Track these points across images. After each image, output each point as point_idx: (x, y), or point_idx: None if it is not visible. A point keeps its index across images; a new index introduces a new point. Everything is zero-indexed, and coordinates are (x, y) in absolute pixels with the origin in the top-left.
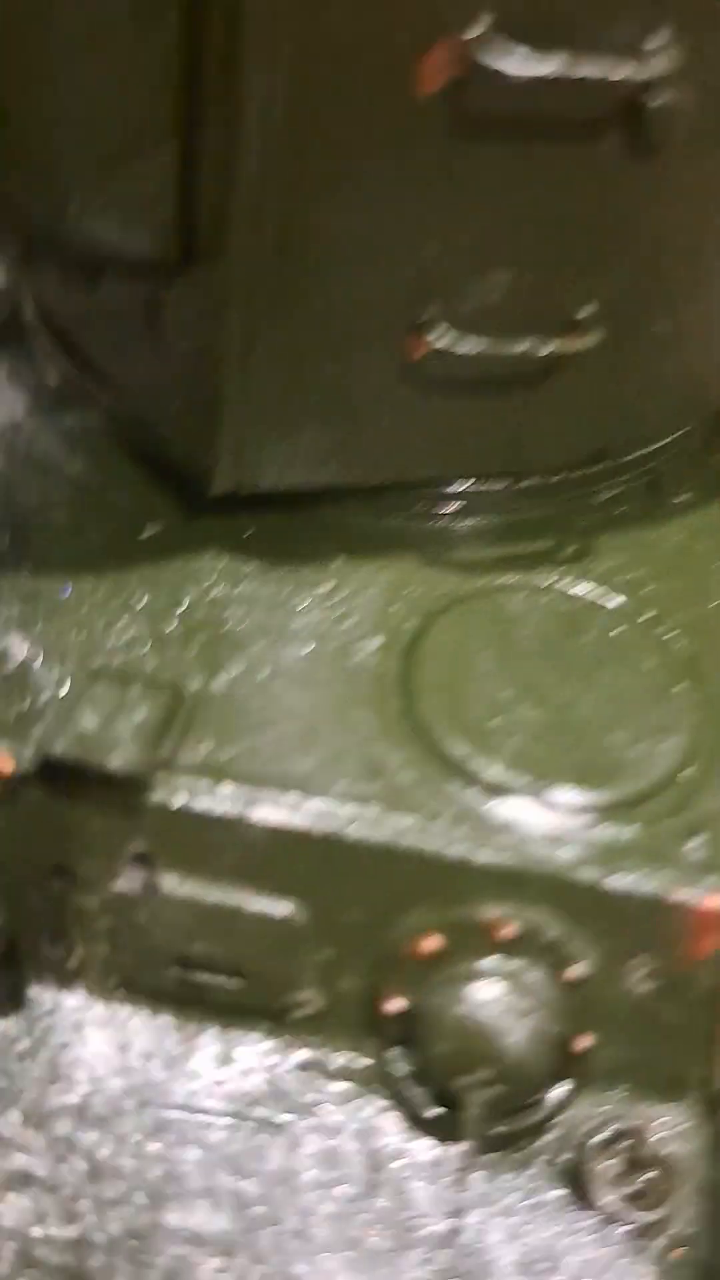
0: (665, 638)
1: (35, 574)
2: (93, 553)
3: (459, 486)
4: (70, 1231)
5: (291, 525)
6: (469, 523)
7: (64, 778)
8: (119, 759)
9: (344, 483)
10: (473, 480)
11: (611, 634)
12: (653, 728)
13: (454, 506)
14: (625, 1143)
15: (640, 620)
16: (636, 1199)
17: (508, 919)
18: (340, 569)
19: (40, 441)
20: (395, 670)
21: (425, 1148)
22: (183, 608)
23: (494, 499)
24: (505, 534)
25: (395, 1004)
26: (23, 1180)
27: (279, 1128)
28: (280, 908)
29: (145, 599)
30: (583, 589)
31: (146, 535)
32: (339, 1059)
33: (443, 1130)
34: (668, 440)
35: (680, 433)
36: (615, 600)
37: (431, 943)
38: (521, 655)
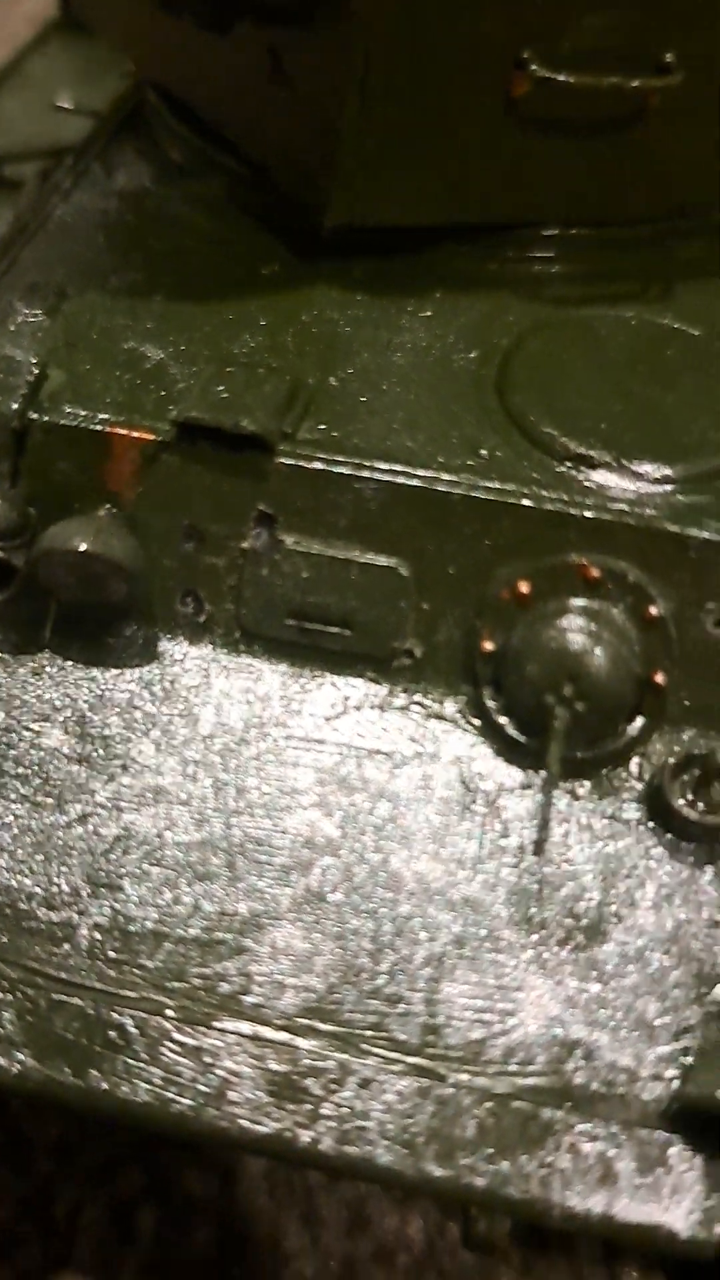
0: None
1: (166, 300)
2: (217, 285)
3: (552, 231)
4: (198, 836)
5: (396, 266)
6: (560, 268)
7: (199, 441)
8: (249, 421)
9: (447, 221)
10: (564, 226)
11: (692, 351)
12: None
13: (547, 252)
14: (699, 766)
15: (717, 345)
16: (711, 806)
17: (593, 564)
18: (440, 300)
19: (168, 204)
20: (491, 374)
21: (516, 773)
22: (298, 326)
23: (584, 246)
24: (593, 278)
25: (490, 644)
26: (155, 795)
27: (384, 755)
28: (386, 561)
29: (265, 320)
30: (666, 320)
31: (265, 272)
32: (437, 700)
33: (531, 758)
34: None
35: None
36: (695, 329)
37: (524, 586)
38: (608, 364)
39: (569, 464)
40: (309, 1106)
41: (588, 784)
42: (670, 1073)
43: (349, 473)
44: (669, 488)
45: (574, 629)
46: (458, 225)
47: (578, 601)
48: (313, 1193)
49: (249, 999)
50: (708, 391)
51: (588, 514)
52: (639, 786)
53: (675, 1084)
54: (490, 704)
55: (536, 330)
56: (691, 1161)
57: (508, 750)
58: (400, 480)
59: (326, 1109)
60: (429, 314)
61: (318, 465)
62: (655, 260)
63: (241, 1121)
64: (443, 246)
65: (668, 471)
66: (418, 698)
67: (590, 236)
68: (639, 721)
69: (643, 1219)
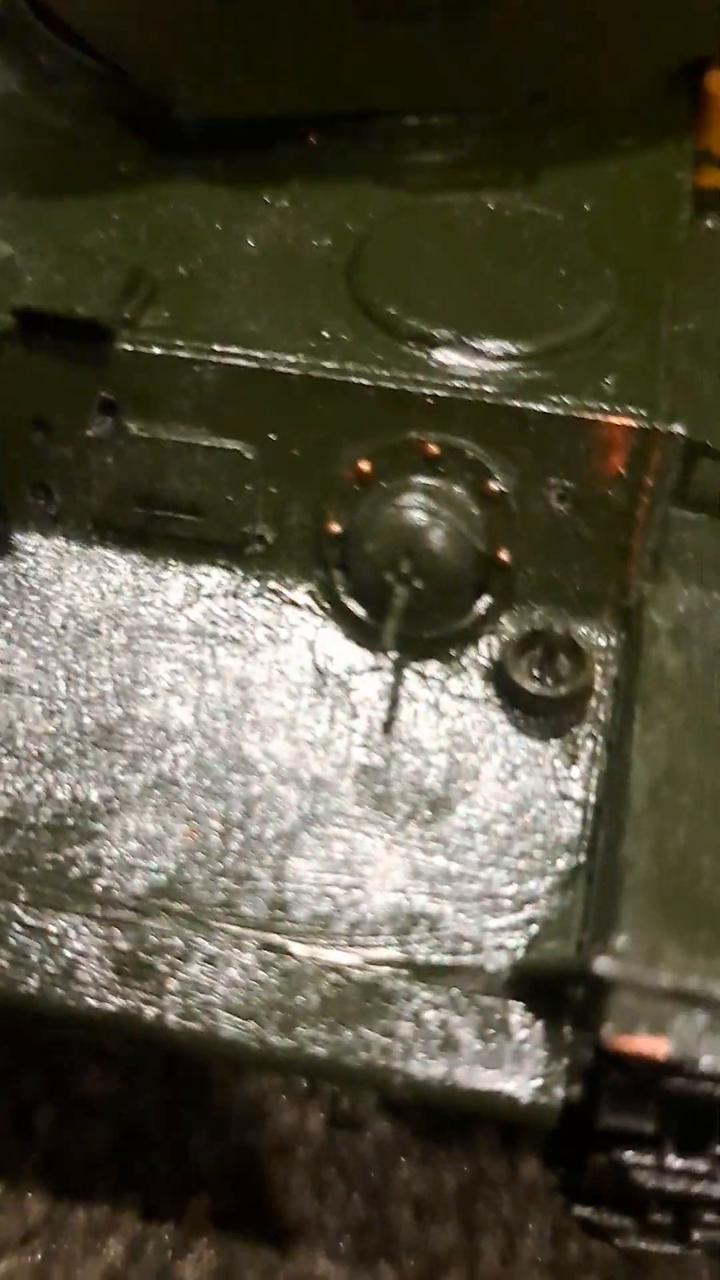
0: (600, 240)
1: (20, 199)
2: (74, 183)
3: (412, 120)
4: (49, 726)
5: (256, 159)
6: (421, 156)
7: (41, 332)
8: (85, 308)
9: (303, 110)
10: (424, 115)
11: (549, 234)
12: (580, 296)
13: (409, 140)
14: (545, 641)
15: (577, 228)
16: (556, 680)
17: (432, 441)
18: (299, 191)
19: (33, 108)
20: (343, 261)
21: (366, 656)
22: (153, 220)
23: (445, 134)
24: (455, 166)
25: (335, 526)
26: (6, 685)
27: (237, 642)
28: (231, 444)
29: (119, 215)
30: (526, 206)
31: (124, 169)
32: (289, 586)
33: (382, 641)
34: (616, 91)
35: (629, 84)
36: (558, 214)
37: (365, 466)
38: (461, 247)
39: (411, 343)
40: (154, 983)
41: (436, 663)
42: (514, 942)
43: (190, 356)
44: (511, 364)
45: (412, 506)
46: (317, 115)
47: (417, 479)
48: (212, 1088)
49: (99, 882)
50: (557, 272)
51: (426, 392)
52: (488, 665)
53: (519, 953)
54: (340, 588)
55: (392, 217)
56: (532, 1028)
57: (358, 633)
58: (241, 363)
59: (172, 985)
60: (286, 204)
61: (157, 350)
62: (519, 148)
63: (89, 1000)
64: (300, 140)
65: (510, 348)
66: (271, 584)
67: (451, 125)
68: (486, 600)
69: (484, 1086)
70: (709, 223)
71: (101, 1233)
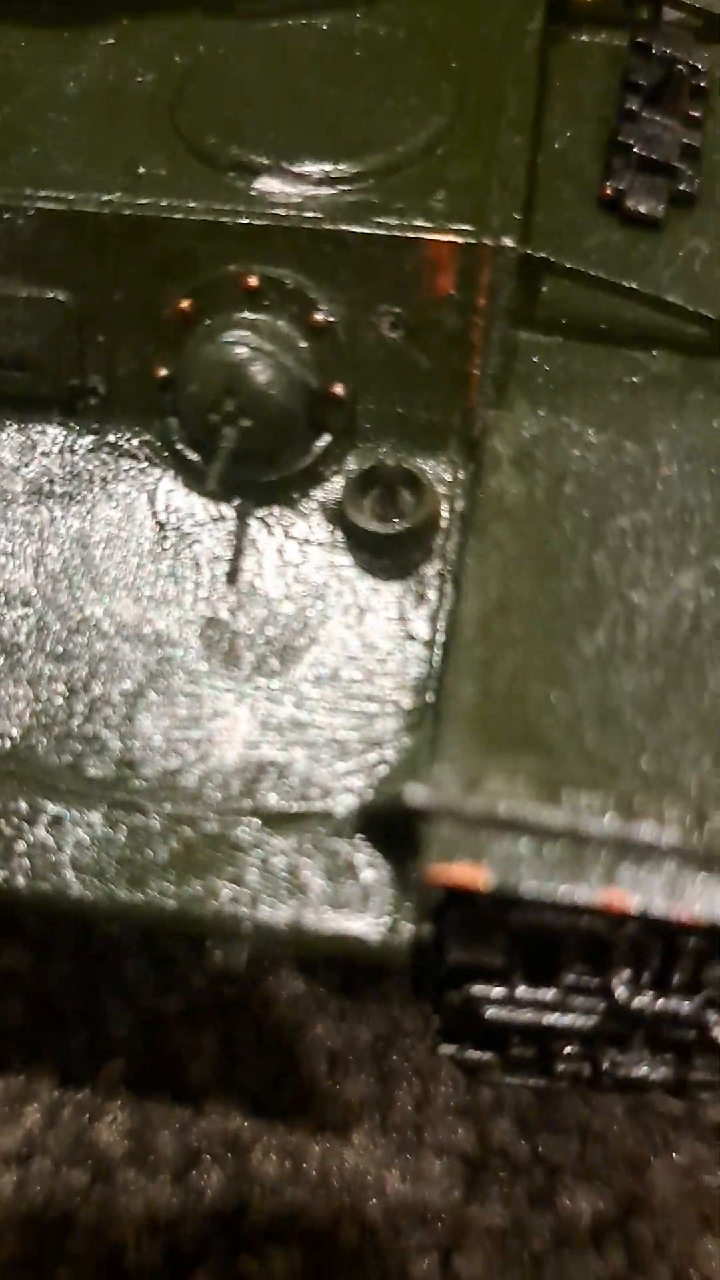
0: (440, 54)
1: None
2: None
3: None
4: None
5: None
6: None
7: None
8: None
9: None
10: None
11: (384, 51)
12: (412, 112)
13: None
14: (382, 476)
15: (417, 44)
16: (397, 517)
17: (251, 273)
18: (126, 27)
19: None
20: (167, 95)
21: (209, 506)
22: None
23: None
24: None
25: (163, 370)
26: None
27: (75, 500)
28: (52, 293)
29: None
30: (364, 25)
31: None
32: (125, 438)
33: (220, 492)
34: None
35: None
36: (398, 33)
37: (186, 304)
38: (288, 71)
39: (232, 174)
40: (1, 847)
41: (279, 509)
42: (361, 783)
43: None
44: (336, 188)
45: (233, 342)
46: None
47: (239, 315)
48: (124, 957)
49: None
50: (391, 89)
51: (241, 221)
52: (333, 507)
53: (367, 796)
54: (174, 436)
55: (218, 46)
56: (379, 869)
57: (198, 484)
58: (52, 206)
59: (19, 847)
60: (112, 42)
61: None
62: None
63: None
64: None
65: (335, 170)
66: (108, 437)
67: None
68: (325, 439)
69: (333, 927)
70: (584, 37)
71: (18, 1101)
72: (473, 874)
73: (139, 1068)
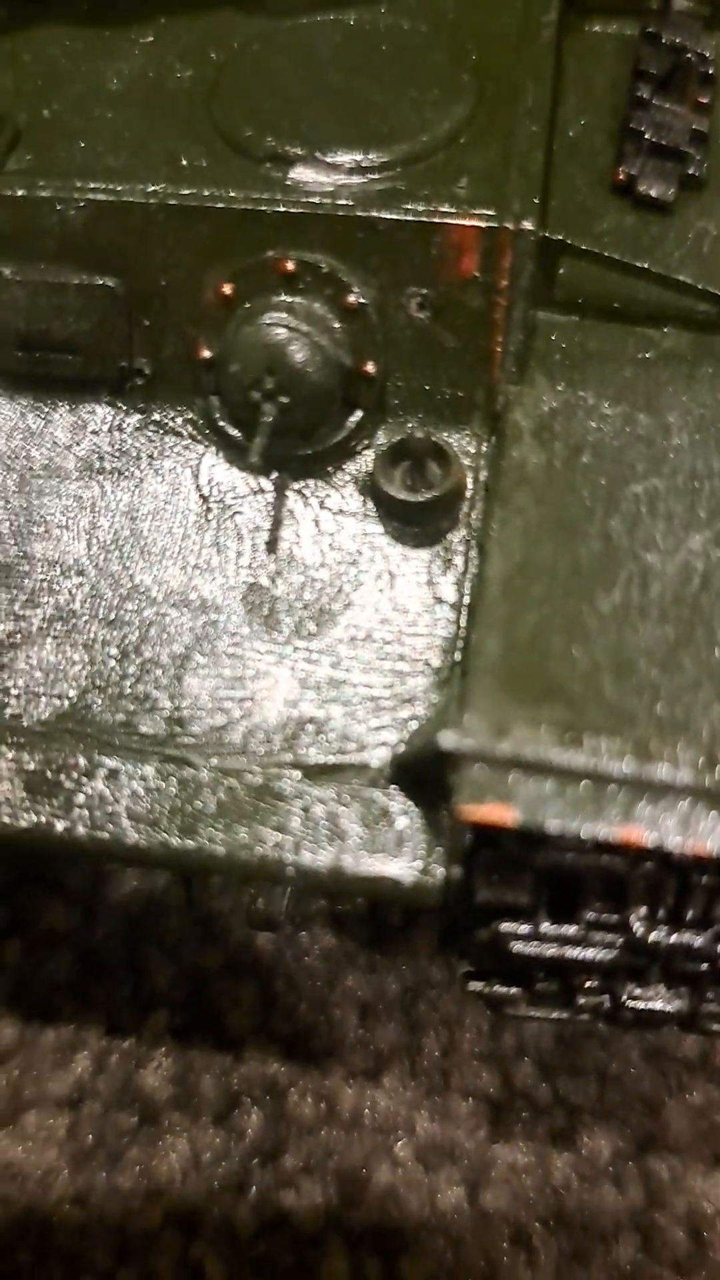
0: (461, 45)
1: None
2: None
3: None
4: None
5: None
6: None
7: None
8: None
9: None
10: None
11: (408, 44)
12: (436, 103)
13: None
14: (411, 449)
15: (439, 37)
16: (426, 487)
17: (289, 258)
18: (164, 25)
19: None
20: (203, 90)
21: (250, 479)
22: (19, 66)
23: None
24: None
25: (206, 352)
26: None
27: (124, 475)
28: (100, 280)
29: None
30: (388, 20)
31: None
32: (170, 416)
33: (260, 466)
34: None
35: None
36: (420, 27)
37: (227, 289)
38: (317, 65)
39: (268, 164)
40: (63, 799)
41: (315, 481)
42: (395, 738)
43: (51, 195)
44: (366, 176)
45: (272, 324)
46: None
47: (277, 298)
48: (168, 914)
49: (7, 711)
50: (415, 81)
51: (279, 209)
52: (365, 479)
53: (400, 748)
54: (216, 414)
55: (252, 42)
56: (412, 815)
57: (238, 458)
58: (101, 197)
59: (79, 799)
60: (150, 39)
61: (20, 193)
62: None
63: (4, 818)
64: None
65: (364, 160)
66: (154, 415)
67: None
68: (357, 414)
69: (369, 870)
70: (596, 27)
71: (68, 1050)
72: (501, 812)
73: (182, 1017)
